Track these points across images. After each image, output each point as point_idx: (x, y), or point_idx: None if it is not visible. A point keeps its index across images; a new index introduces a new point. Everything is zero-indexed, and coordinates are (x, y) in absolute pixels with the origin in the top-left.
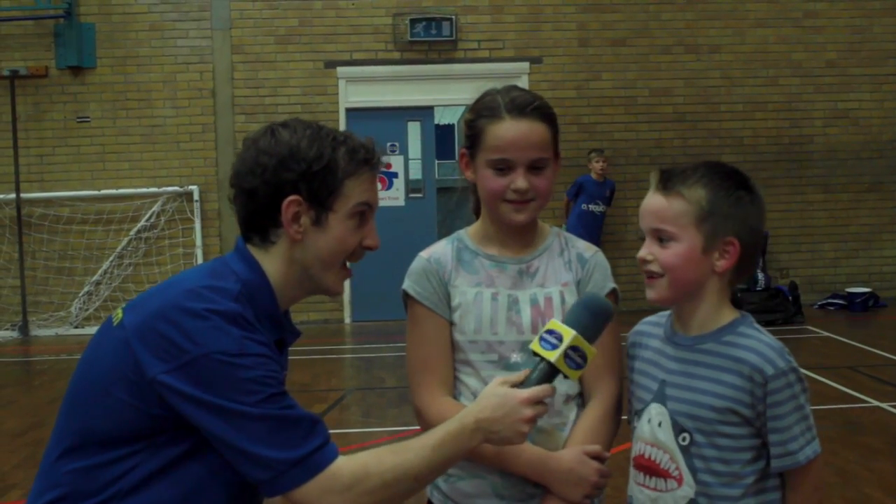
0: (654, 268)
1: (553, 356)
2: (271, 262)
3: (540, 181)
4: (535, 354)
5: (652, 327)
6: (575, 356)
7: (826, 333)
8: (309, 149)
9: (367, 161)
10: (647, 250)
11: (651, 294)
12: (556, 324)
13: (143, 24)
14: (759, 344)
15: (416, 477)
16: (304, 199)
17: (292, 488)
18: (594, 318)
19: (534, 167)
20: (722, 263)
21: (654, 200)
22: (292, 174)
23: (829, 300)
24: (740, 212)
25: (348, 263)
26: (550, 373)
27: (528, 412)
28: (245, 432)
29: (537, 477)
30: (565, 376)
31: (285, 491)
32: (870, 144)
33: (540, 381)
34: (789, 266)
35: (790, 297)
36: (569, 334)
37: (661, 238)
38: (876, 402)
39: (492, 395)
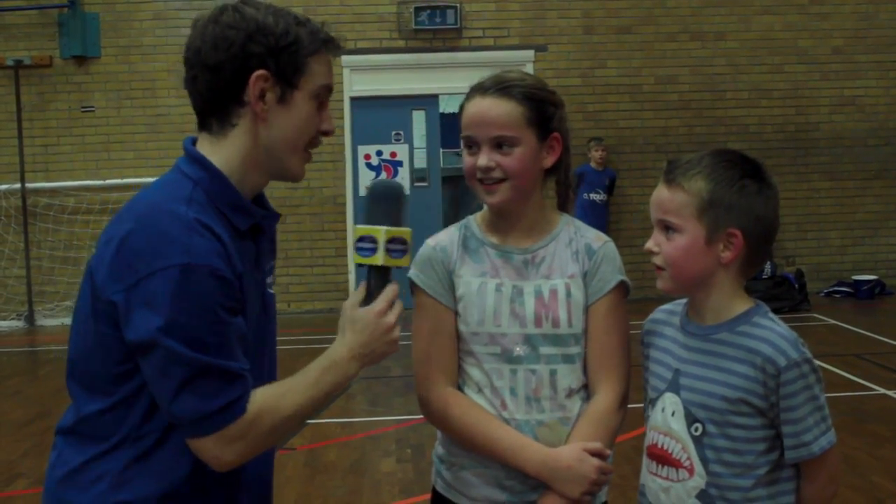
0: (657, 261)
1: (379, 260)
2: (231, 146)
3: (508, 160)
4: (361, 265)
5: (667, 315)
6: (396, 246)
7: (832, 321)
8: (276, 25)
9: (327, 41)
10: (653, 241)
11: (658, 284)
12: (363, 229)
13: (147, 13)
14: (773, 334)
15: (302, 416)
16: (271, 74)
17: (191, 437)
18: (388, 202)
19: (499, 145)
20: (727, 255)
21: (659, 192)
22: (260, 48)
23: (836, 288)
24: (744, 202)
25: (312, 147)
26: (384, 274)
27: (391, 320)
28: (168, 375)
29: (536, 474)
30: (399, 268)
31: (185, 436)
32: (876, 131)
33: (381, 287)
34: (795, 254)
35: (796, 285)
36: (379, 232)
37: (667, 228)
38: (882, 390)
39: (351, 322)
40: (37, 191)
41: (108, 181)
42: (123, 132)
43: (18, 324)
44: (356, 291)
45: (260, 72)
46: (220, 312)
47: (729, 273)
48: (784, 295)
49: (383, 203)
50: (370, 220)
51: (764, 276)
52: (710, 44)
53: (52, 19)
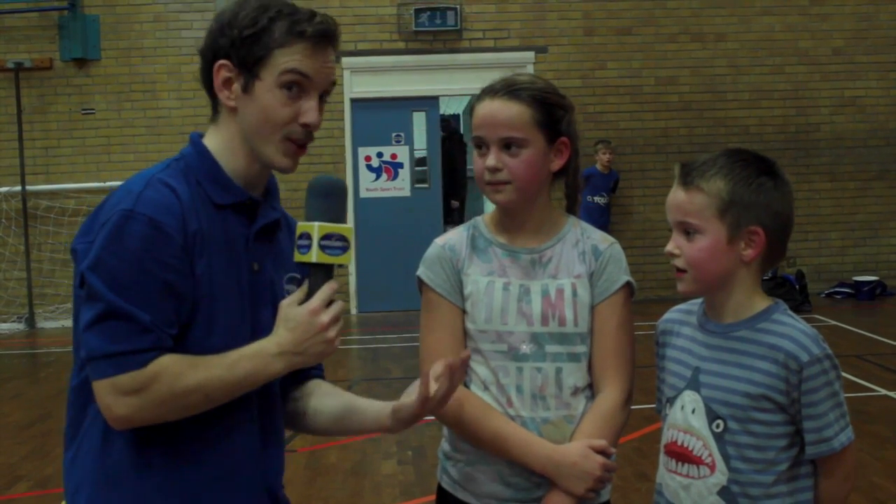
0: (679, 263)
1: (312, 257)
2: (218, 131)
3: (515, 163)
4: (301, 264)
5: (683, 315)
6: (332, 242)
7: (833, 322)
8: (246, 16)
9: (301, 33)
10: (674, 244)
11: (680, 287)
12: (301, 226)
13: (147, 16)
14: (794, 331)
15: (208, 394)
16: (234, 65)
17: (92, 378)
18: (326, 198)
19: (507, 146)
20: (749, 253)
21: (676, 195)
22: (226, 39)
23: (836, 289)
24: (763, 199)
25: (293, 139)
26: (324, 272)
27: (324, 319)
28: (86, 310)
29: (542, 469)
30: (340, 265)
31: (91, 377)
32: (876, 132)
33: (319, 285)
34: (796, 255)
35: (797, 286)
36: (313, 228)
37: (687, 231)
38: (884, 391)
39: (283, 320)
40: (37, 193)
41: (109, 183)
42: (124, 134)
43: (19, 326)
44: (297, 290)
45: (221, 61)
46: (149, 263)
47: (749, 271)
48: (785, 296)
49: (320, 199)
50: (308, 217)
51: (765, 277)
52: (711, 45)
53: (53, 22)
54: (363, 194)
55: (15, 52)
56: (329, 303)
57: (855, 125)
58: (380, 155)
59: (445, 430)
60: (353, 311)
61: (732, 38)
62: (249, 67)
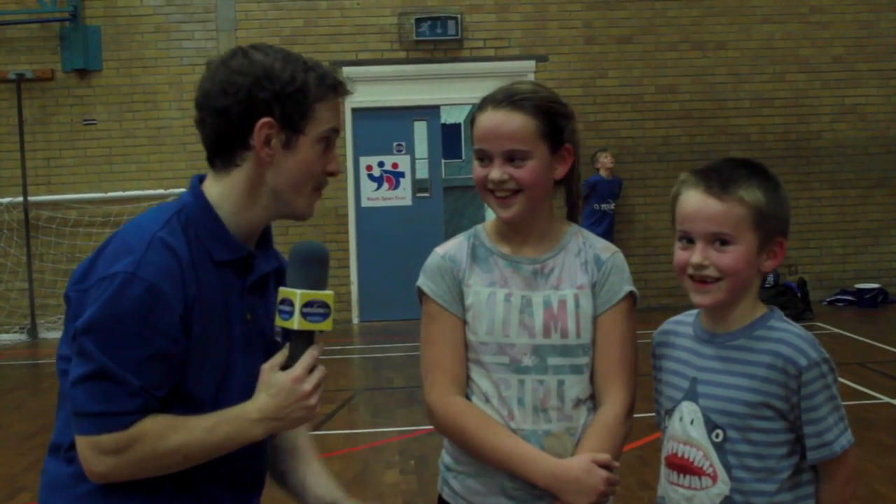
0: (711, 272)
1: (294, 324)
2: (230, 183)
3: (521, 172)
4: (283, 329)
5: (679, 326)
6: (314, 309)
7: (835, 330)
8: (283, 70)
9: (334, 87)
10: (702, 255)
11: (706, 299)
12: (283, 291)
13: (148, 27)
14: (791, 336)
15: (187, 455)
16: (276, 120)
17: (76, 432)
18: (309, 265)
19: (511, 158)
20: (769, 263)
21: (709, 205)
22: (266, 94)
23: (838, 296)
24: (784, 210)
25: (321, 187)
26: (305, 338)
27: (306, 387)
28: (77, 365)
29: (545, 484)
30: (321, 332)
31: (74, 431)
32: (877, 140)
33: (301, 351)
34: (798, 262)
35: (799, 294)
36: (295, 295)
37: (721, 241)
38: (886, 399)
39: (266, 385)
40: (39, 204)
41: (110, 194)
42: (125, 145)
43: (21, 337)
44: (278, 353)
45: (265, 119)
46: (144, 329)
47: (758, 280)
48: (787, 304)
49: (302, 265)
50: (290, 283)
51: (766, 286)
52: (711, 53)
53: (54, 33)
54: (364, 203)
55: (17, 62)
56: (311, 369)
57: (856, 133)
58: (381, 164)
59: (446, 442)
60: (355, 320)
61: (733, 47)
62: (294, 123)
